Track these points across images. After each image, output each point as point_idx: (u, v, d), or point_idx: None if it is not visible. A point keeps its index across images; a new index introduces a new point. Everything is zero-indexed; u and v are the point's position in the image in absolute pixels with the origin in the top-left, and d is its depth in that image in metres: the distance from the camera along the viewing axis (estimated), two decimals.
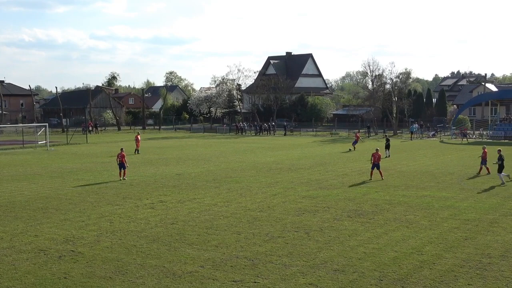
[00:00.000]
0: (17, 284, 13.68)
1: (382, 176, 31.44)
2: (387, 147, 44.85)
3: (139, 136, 52.03)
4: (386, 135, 43.57)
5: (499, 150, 30.62)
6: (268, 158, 44.63)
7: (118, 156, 32.13)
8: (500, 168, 29.69)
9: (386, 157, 41.26)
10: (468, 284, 13.33)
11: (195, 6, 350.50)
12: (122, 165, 31.92)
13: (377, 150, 32.44)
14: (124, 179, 31.77)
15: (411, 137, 71.15)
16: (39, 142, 59.85)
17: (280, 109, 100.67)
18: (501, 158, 29.71)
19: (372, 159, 31.79)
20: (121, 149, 33.42)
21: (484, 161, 33.21)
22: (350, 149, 52.79)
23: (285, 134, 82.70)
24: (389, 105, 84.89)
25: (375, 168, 31.70)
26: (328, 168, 37.01)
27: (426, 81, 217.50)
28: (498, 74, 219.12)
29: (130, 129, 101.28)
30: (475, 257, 15.53)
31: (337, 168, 37.33)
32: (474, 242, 17.18)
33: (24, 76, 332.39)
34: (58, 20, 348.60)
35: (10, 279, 14.06)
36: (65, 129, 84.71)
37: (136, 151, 49.89)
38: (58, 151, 54.10)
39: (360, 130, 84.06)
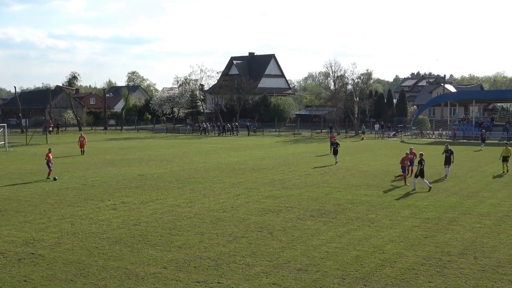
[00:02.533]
0: None
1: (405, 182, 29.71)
2: (335, 152, 40.48)
3: (84, 137, 50.99)
4: (421, 154, 34.80)
5: (421, 154, 28.90)
6: (232, 159, 44.62)
7: (46, 156, 33.53)
8: (421, 173, 27.61)
9: (336, 163, 39.30)
10: (429, 282, 13.57)
11: (156, 6, 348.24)
12: (48, 165, 33.18)
13: (407, 153, 31.57)
14: (48, 178, 32.45)
15: (362, 138, 71.98)
16: None
17: (243, 109, 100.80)
18: (421, 162, 27.80)
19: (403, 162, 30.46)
20: (49, 149, 35.12)
21: (411, 162, 31.97)
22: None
23: (248, 134, 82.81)
24: (351, 106, 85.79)
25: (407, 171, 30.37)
26: (291, 168, 37.20)
27: (387, 82, 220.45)
28: (457, 75, 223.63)
29: (91, 129, 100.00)
30: (435, 255, 15.81)
31: (300, 168, 37.54)
32: (434, 240, 17.49)
33: None
34: (15, 18, 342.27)
35: None
36: (25, 130, 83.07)
37: (82, 151, 49.04)
38: (17, 152, 53.05)
39: (323, 131, 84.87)
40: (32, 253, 16.44)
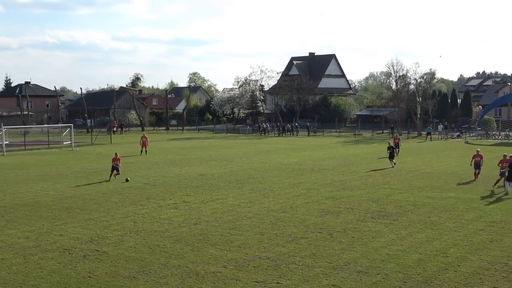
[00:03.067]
0: (42, 282, 13.85)
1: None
2: (391, 156, 38.08)
3: (146, 137, 51.86)
4: (389, 143, 39.40)
5: (505, 155, 28.88)
6: (291, 159, 44.57)
7: (113, 161, 33.34)
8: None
9: (392, 166, 37.28)
10: (494, 287, 13.15)
11: (215, 7, 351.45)
12: (115, 168, 33.09)
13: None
14: (109, 180, 32.25)
15: (426, 138, 70.15)
16: (64, 143, 60.56)
17: (303, 109, 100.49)
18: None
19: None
20: (116, 153, 34.27)
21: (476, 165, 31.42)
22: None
23: (308, 135, 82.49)
24: (413, 106, 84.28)
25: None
26: (351, 169, 36.83)
27: (451, 81, 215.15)
28: None
29: (154, 129, 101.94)
30: (501, 260, 15.31)
31: (360, 169, 37.12)
32: (500, 245, 16.95)
33: (49, 77, 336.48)
34: (80, 22, 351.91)
35: (36, 277, 14.24)
36: (90, 130, 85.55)
37: (144, 151, 49.70)
38: (83, 152, 54.67)
39: (384, 131, 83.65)
40: (97, 250, 16.88)
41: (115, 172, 32.95)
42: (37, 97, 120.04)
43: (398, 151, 44.80)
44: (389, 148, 33.02)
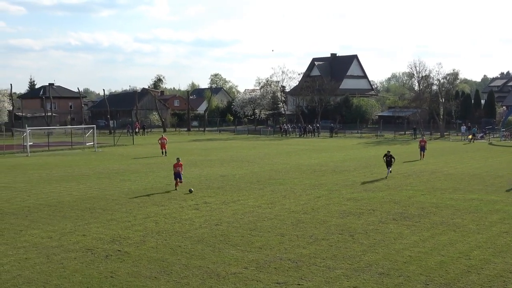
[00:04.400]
0: (65, 282, 13.99)
1: None
2: (388, 163, 33.36)
3: (165, 138, 52.00)
4: (388, 151, 33.67)
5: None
6: (312, 160, 44.46)
7: (174, 166, 29.42)
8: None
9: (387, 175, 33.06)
10: None
11: (234, 8, 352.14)
12: (178, 175, 29.00)
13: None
14: (175, 190, 28.58)
15: (471, 139, 67.45)
16: (87, 144, 61.13)
17: (324, 110, 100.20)
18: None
19: None
20: (177, 159, 30.13)
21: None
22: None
23: (331, 136, 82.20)
24: (436, 107, 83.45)
25: None
26: (373, 170, 36.62)
27: (475, 82, 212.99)
28: None
29: (175, 130, 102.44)
30: None
31: (382, 170, 36.84)
32: None
33: (72, 79, 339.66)
34: (103, 23, 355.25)
35: (59, 277, 14.39)
36: (112, 131, 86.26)
37: (164, 152, 49.83)
38: (105, 152, 55.12)
39: (406, 132, 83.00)
40: (119, 250, 17.01)
41: (178, 179, 29.01)
42: (61, 99, 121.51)
43: (424, 154, 44.03)
44: (385, 156, 33.00)
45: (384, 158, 33.36)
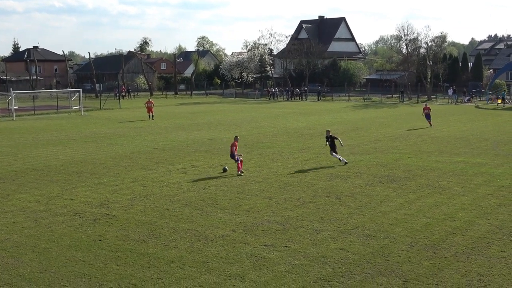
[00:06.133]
0: (54, 246, 14.03)
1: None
2: (333, 147, 25.24)
3: (152, 102, 51.60)
4: (328, 131, 25.81)
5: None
6: (300, 124, 44.51)
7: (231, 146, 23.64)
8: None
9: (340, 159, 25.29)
10: (501, 251, 13.20)
11: None
12: (232, 156, 23.50)
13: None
14: (240, 174, 23.05)
15: (502, 103, 65.75)
16: (73, 107, 60.65)
17: (312, 74, 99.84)
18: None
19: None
20: (235, 137, 24.29)
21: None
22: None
23: (319, 99, 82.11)
24: (423, 70, 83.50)
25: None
26: (360, 134, 36.76)
27: (462, 45, 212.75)
28: None
29: (162, 94, 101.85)
30: (509, 224, 15.33)
31: (369, 133, 37.04)
32: (508, 209, 16.95)
33: (56, 41, 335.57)
34: None
35: (47, 241, 14.43)
36: (99, 94, 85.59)
37: (151, 116, 49.56)
38: (92, 116, 54.80)
39: (394, 95, 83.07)
40: (107, 213, 17.05)
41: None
42: (46, 62, 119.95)
43: (430, 122, 40.43)
44: (327, 138, 25.31)
45: (326, 141, 25.65)
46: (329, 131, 25.63)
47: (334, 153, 25.06)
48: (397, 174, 22.61)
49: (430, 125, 40.42)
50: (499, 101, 67.14)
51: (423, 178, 21.73)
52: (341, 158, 24.95)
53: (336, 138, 25.31)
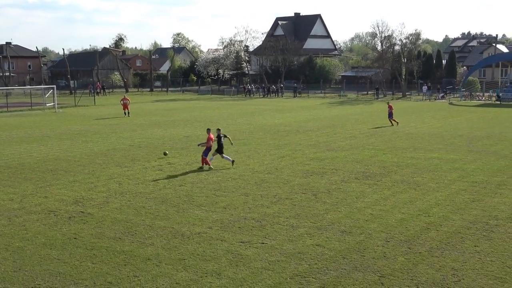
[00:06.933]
0: (28, 244, 13.87)
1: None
2: (220, 149, 24.22)
3: (127, 98, 51.29)
4: (218, 129, 24.82)
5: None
6: (276, 120, 44.59)
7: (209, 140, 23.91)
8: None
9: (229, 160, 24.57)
10: (475, 246, 13.39)
11: None
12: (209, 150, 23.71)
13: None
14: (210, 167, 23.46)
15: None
16: (47, 104, 59.97)
17: (288, 71, 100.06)
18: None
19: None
20: (208, 130, 24.59)
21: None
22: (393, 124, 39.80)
23: (295, 96, 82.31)
24: (398, 67, 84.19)
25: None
26: (336, 130, 36.96)
27: (436, 42, 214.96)
28: (510, 35, 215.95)
29: (138, 91, 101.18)
30: (482, 219, 15.56)
31: (345, 130, 37.26)
32: (481, 204, 17.20)
33: (30, 37, 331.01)
34: None
35: (21, 239, 14.25)
36: (73, 91, 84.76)
37: (127, 113, 49.30)
38: (66, 113, 54.23)
39: (369, 92, 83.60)
40: (82, 211, 16.90)
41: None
42: (19, 58, 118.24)
43: (393, 120, 39.68)
44: (218, 138, 24.15)
45: (216, 140, 24.17)
46: (220, 130, 24.57)
47: (224, 156, 24.14)
48: (372, 171, 22.78)
49: (396, 122, 39.47)
50: (494, 98, 67.44)
51: (398, 174, 21.94)
52: (229, 158, 24.24)
53: (226, 137, 24.76)
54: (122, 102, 50.64)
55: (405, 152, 27.44)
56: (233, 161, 24.24)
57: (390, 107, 40.15)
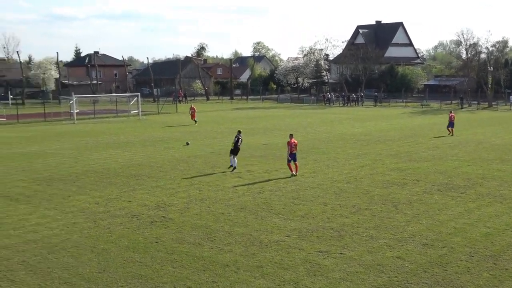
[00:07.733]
0: (112, 246, 14.34)
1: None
2: (235, 150, 25.43)
3: (194, 108, 52.27)
4: (239, 131, 26.48)
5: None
6: (356, 129, 44.09)
7: (288, 145, 23.94)
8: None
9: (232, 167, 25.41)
10: None
11: None
12: (292, 156, 23.79)
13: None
14: (294, 174, 23.71)
15: None
16: (131, 112, 61.94)
17: (369, 79, 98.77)
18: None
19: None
20: (290, 135, 24.73)
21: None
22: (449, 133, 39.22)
23: (375, 105, 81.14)
24: (484, 76, 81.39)
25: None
26: (418, 140, 36.12)
27: None
28: None
29: (218, 99, 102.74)
30: None
31: (427, 140, 36.34)
32: None
33: (116, 46, 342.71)
34: None
35: (106, 242, 14.75)
36: (156, 99, 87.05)
37: (195, 122, 50.10)
38: (150, 120, 55.80)
39: (453, 102, 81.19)
40: (163, 216, 17.31)
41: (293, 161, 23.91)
42: (106, 67, 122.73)
43: (453, 130, 38.96)
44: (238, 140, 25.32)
45: (235, 141, 25.34)
46: (240, 132, 26.26)
47: (233, 158, 25.14)
48: (456, 182, 22.09)
49: (451, 133, 38.99)
50: None
51: (483, 187, 21.16)
52: (233, 164, 25.16)
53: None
54: (190, 112, 51.56)
55: (491, 164, 26.44)
56: (234, 168, 24.99)
57: (452, 116, 39.69)
